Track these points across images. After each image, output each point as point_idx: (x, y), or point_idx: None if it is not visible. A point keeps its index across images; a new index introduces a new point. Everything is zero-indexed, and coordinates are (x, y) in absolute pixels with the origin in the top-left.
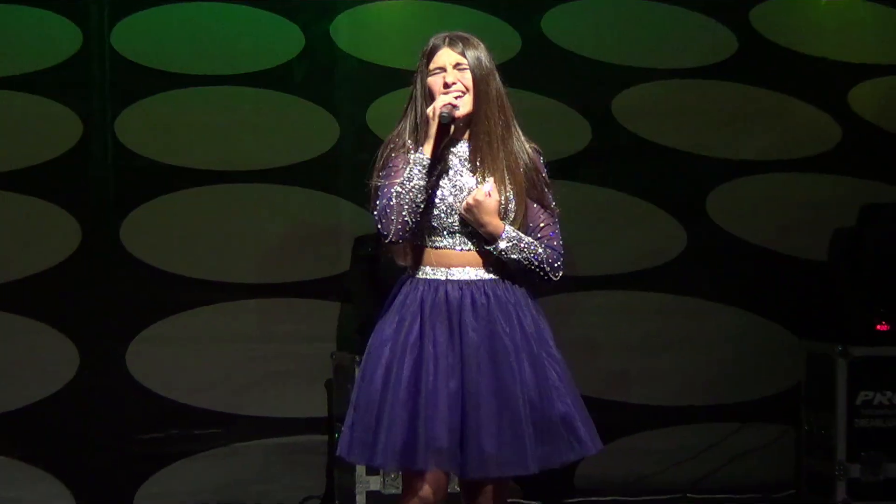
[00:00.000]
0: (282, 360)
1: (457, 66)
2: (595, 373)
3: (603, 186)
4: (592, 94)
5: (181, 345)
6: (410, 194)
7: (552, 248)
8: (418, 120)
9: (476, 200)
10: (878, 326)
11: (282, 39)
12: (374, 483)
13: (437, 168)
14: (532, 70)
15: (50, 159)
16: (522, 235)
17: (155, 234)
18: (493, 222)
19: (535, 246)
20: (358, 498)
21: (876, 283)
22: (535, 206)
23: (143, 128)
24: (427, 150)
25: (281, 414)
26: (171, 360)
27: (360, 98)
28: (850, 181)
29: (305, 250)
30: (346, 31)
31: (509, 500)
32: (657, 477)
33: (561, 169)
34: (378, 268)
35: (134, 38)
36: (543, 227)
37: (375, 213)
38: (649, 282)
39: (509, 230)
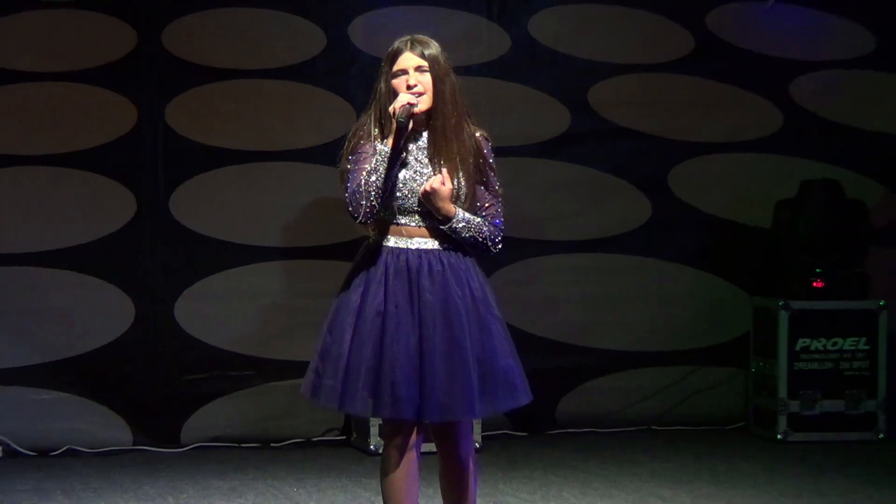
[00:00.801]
0: (305, 312)
1: (418, 68)
2: (571, 323)
3: (580, 164)
4: (571, 85)
5: (220, 299)
6: (377, 182)
7: (494, 226)
8: (382, 114)
9: (432, 188)
10: (815, 284)
11: (306, 39)
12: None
13: (400, 158)
14: (520, 65)
15: (110, 141)
16: (471, 217)
17: (198, 205)
18: (446, 207)
19: (481, 224)
20: (371, 429)
21: (812, 247)
22: (481, 188)
23: (188, 114)
24: (389, 143)
25: (304, 358)
26: (212, 312)
27: (372, 88)
28: (791, 160)
29: (325, 219)
30: (361, 31)
31: (497, 432)
32: (626, 412)
33: (544, 150)
34: None
35: (181, 37)
36: (488, 206)
37: (346, 195)
38: (619, 246)
39: (459, 213)
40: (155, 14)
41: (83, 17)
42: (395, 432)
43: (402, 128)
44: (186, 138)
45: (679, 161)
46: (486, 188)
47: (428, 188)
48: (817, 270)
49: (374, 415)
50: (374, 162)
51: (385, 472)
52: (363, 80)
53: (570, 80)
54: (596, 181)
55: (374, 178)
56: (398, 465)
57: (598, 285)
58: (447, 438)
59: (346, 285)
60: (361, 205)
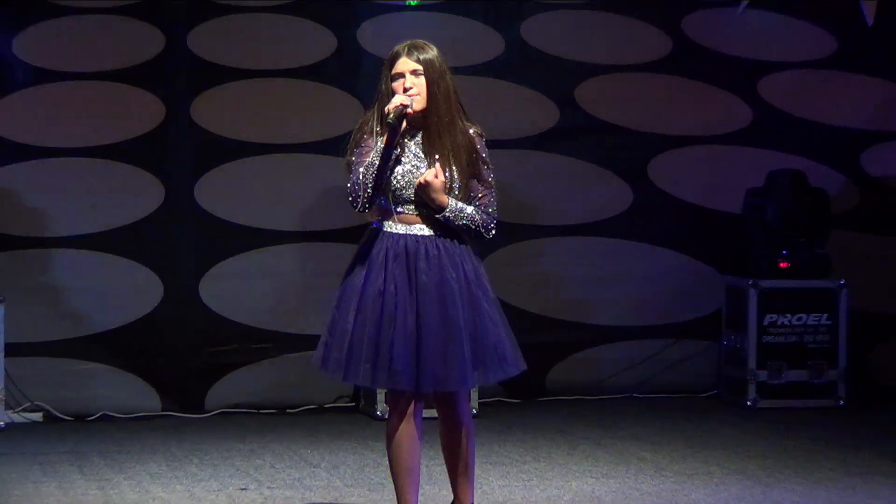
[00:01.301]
0: (317, 290)
1: (413, 72)
2: (560, 301)
3: (568, 156)
4: (560, 84)
5: (241, 278)
6: (373, 175)
7: (487, 214)
8: (383, 112)
9: (426, 181)
10: (781, 264)
11: (319, 42)
12: None
13: (393, 154)
14: (513, 66)
15: (141, 135)
16: (463, 206)
17: (221, 192)
18: (440, 198)
19: (473, 213)
20: (378, 397)
21: (779, 232)
22: (474, 180)
23: (211, 111)
24: (383, 141)
25: (317, 332)
26: (234, 290)
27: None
28: (759, 152)
29: (335, 206)
30: (369, 35)
31: (492, 399)
32: (610, 381)
33: (535, 142)
34: None
35: (205, 41)
36: (481, 196)
37: (347, 185)
38: (603, 230)
39: (452, 203)
40: (182, 19)
41: (117, 22)
42: (397, 401)
43: (394, 127)
44: (210, 132)
45: (657, 153)
46: (479, 180)
47: (422, 181)
48: (783, 252)
49: (373, 385)
50: (371, 156)
51: (390, 437)
52: (371, 79)
53: (558, 79)
54: (582, 171)
55: (370, 171)
56: (402, 428)
57: (584, 266)
58: (446, 405)
59: (352, 267)
60: (359, 196)
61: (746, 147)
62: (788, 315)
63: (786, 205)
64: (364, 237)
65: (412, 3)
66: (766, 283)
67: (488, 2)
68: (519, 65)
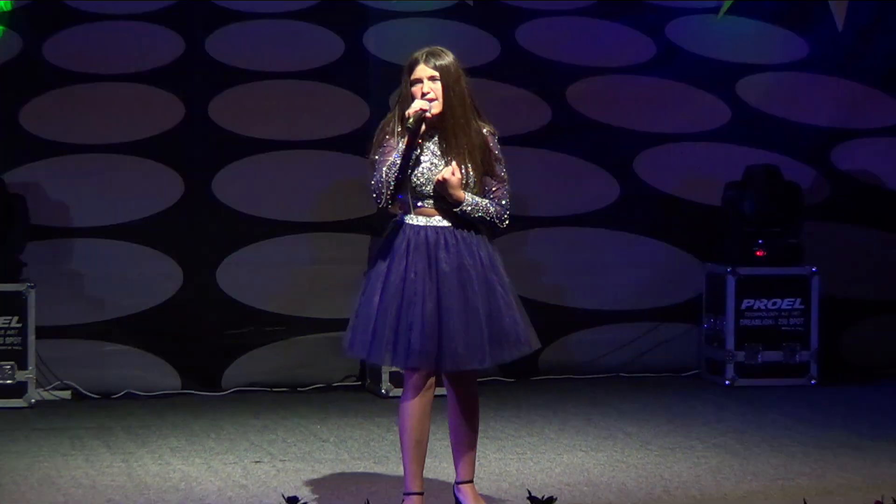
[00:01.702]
0: (326, 276)
1: (430, 78)
2: (552, 286)
3: (559, 152)
4: (552, 84)
5: (255, 266)
6: (395, 174)
7: (500, 206)
8: (403, 115)
9: (444, 178)
10: (757, 253)
11: (328, 45)
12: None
13: (412, 155)
14: (508, 68)
15: (161, 132)
16: (479, 200)
17: (237, 186)
18: (457, 193)
19: (488, 205)
20: (383, 376)
21: (755, 222)
22: (487, 176)
23: (228, 110)
24: (403, 143)
25: (326, 316)
26: (249, 276)
27: (384, 87)
28: (737, 148)
29: (344, 198)
30: (374, 39)
31: (489, 379)
32: (598, 361)
33: (529, 139)
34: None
35: (222, 44)
36: (495, 190)
37: (371, 182)
38: (592, 220)
39: (468, 197)
40: (200, 25)
41: (140, 27)
42: (413, 378)
43: (413, 131)
44: (226, 130)
45: (643, 149)
46: (493, 176)
47: (441, 178)
48: (759, 241)
49: (394, 365)
50: (393, 156)
51: (403, 411)
52: (376, 80)
53: (550, 81)
54: (573, 166)
55: (392, 170)
56: (415, 402)
57: (574, 254)
58: (460, 384)
59: (377, 258)
60: (382, 193)
61: (725, 143)
62: (764, 300)
63: (762, 197)
64: (388, 230)
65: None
66: (744, 270)
67: (485, 9)
68: (514, 67)
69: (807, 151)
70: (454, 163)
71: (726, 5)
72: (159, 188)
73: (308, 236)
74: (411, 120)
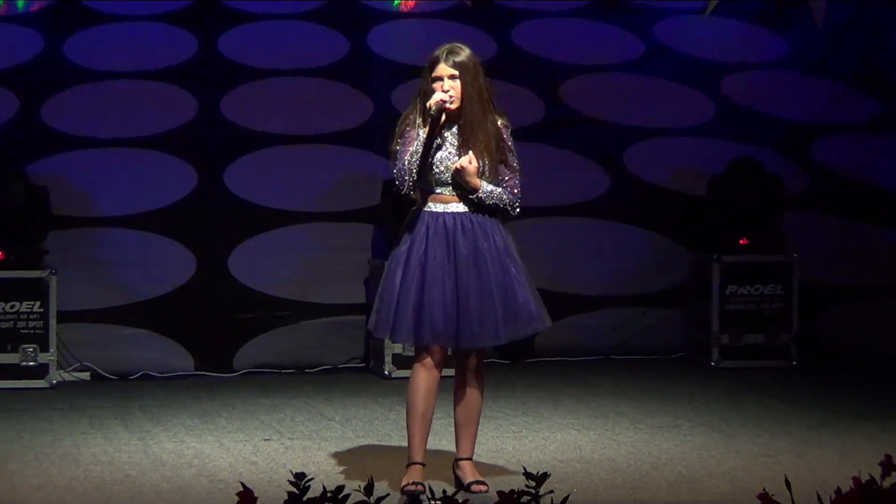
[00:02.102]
0: (334, 264)
1: (451, 76)
2: (546, 273)
3: (552, 146)
4: (546, 82)
5: (265, 253)
6: (416, 162)
7: (512, 195)
8: (425, 107)
9: (462, 167)
10: (741, 241)
11: (335, 45)
12: (397, 348)
13: (434, 143)
14: (505, 66)
15: (176, 127)
16: (493, 188)
17: (248, 178)
18: (473, 181)
19: (502, 193)
20: (386, 359)
21: (739, 213)
22: (501, 166)
23: (239, 105)
24: (425, 132)
25: (333, 301)
26: (259, 263)
27: (387, 84)
28: (722, 142)
29: (351, 189)
30: (378, 40)
31: (486, 361)
32: (589, 344)
33: (524, 134)
34: (399, 201)
35: (233, 43)
36: (508, 179)
37: (394, 171)
38: (584, 210)
39: (484, 185)
40: (213, 26)
41: (156, 28)
42: (424, 355)
43: (435, 119)
44: (237, 125)
45: (632, 143)
46: (506, 165)
47: (459, 166)
48: (743, 230)
49: (416, 343)
50: (415, 146)
51: (413, 385)
52: (379, 78)
53: (544, 78)
54: (566, 159)
55: (414, 159)
56: (424, 380)
57: (567, 243)
58: (471, 362)
59: (398, 241)
60: (405, 180)
61: (710, 138)
62: (747, 286)
63: (745, 189)
64: (408, 217)
65: (395, 3)
66: (728, 258)
67: (482, 10)
68: (510, 65)
69: (787, 145)
70: (471, 153)
71: (711, 6)
72: (174, 180)
73: (314, 226)
74: (433, 109)
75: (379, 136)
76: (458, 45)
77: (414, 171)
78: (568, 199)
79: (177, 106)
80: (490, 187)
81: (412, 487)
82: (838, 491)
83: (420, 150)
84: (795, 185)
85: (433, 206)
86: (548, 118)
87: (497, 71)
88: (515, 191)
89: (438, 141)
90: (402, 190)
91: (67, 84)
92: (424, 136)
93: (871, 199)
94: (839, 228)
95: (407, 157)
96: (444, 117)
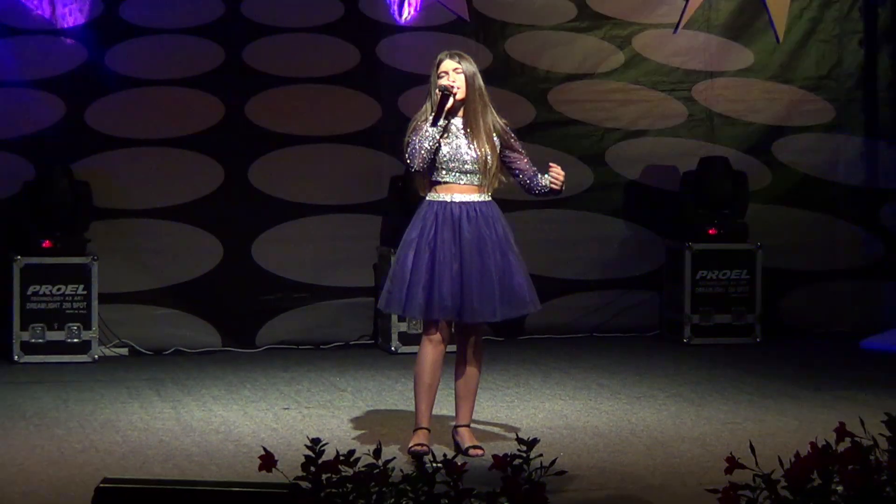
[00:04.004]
0: (345, 251)
1: (455, 70)
2: (536, 259)
3: (540, 145)
4: (536, 88)
5: (285, 242)
6: (428, 141)
7: (534, 169)
8: (431, 104)
9: (560, 173)
10: (710, 231)
11: (345, 55)
12: (403, 326)
13: (441, 119)
14: (498, 74)
15: (205, 129)
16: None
17: (270, 174)
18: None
19: (539, 177)
20: (393, 336)
21: (708, 205)
22: (512, 153)
23: (262, 109)
24: (433, 116)
25: (345, 284)
26: (279, 251)
27: (394, 91)
28: (693, 142)
29: (360, 184)
30: (385, 50)
31: (484, 337)
32: (573, 323)
33: (516, 135)
34: (405, 195)
35: (257, 54)
36: (526, 162)
37: (407, 153)
38: (570, 204)
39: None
40: (238, 38)
41: (186, 40)
42: (432, 331)
43: (444, 97)
44: (260, 126)
45: (613, 143)
46: (516, 151)
47: (560, 177)
48: (713, 221)
49: (427, 317)
50: (424, 130)
51: (420, 358)
52: (387, 84)
53: (534, 85)
54: (553, 157)
55: (426, 139)
56: (431, 353)
57: (555, 232)
58: (471, 336)
59: (410, 229)
60: (416, 156)
61: (682, 138)
62: (716, 271)
63: (714, 184)
64: (419, 207)
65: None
66: (698, 246)
67: (479, 23)
68: (503, 73)
69: (752, 145)
70: (486, 146)
71: (683, 21)
72: (203, 176)
73: (330, 217)
74: (443, 89)
75: (387, 137)
76: (458, 50)
77: (426, 148)
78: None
79: (205, 110)
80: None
81: (418, 448)
82: (797, 454)
83: (430, 130)
84: (758, 180)
85: (441, 196)
86: (538, 121)
87: (492, 78)
88: (534, 168)
89: (445, 123)
90: (413, 167)
91: (109, 90)
92: (432, 118)
93: (827, 192)
94: (797, 219)
95: (417, 138)
96: (451, 102)
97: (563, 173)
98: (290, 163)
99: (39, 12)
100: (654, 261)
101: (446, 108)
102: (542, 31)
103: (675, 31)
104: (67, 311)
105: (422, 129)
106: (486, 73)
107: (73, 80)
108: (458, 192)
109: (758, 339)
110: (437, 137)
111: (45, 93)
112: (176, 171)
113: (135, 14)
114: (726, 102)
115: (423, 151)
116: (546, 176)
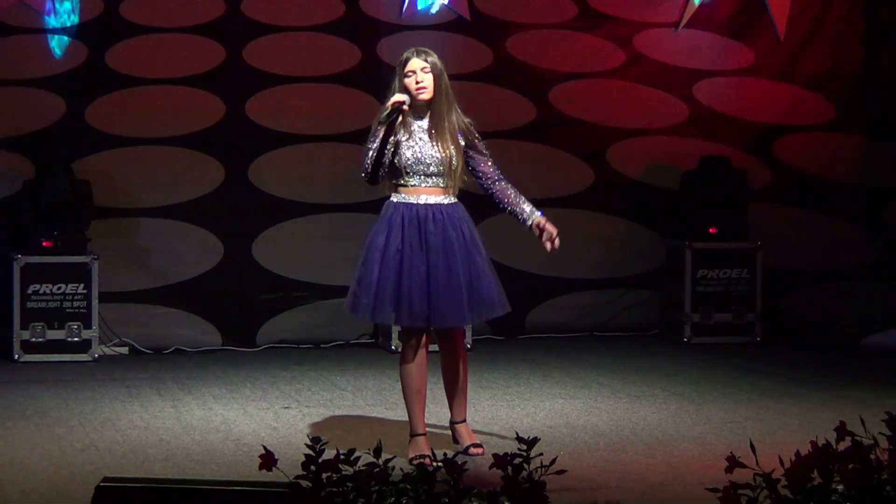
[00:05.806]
0: (343, 250)
1: (423, 69)
2: (537, 258)
3: (542, 144)
4: (537, 87)
5: (284, 241)
6: (372, 159)
7: (501, 174)
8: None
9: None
10: (710, 230)
11: (346, 54)
12: None
13: (392, 139)
14: (499, 73)
15: (206, 127)
16: (524, 203)
17: (269, 173)
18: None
19: (512, 191)
20: (392, 335)
21: (709, 204)
22: (473, 153)
23: (262, 108)
24: (382, 133)
25: (345, 283)
26: (279, 250)
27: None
28: (693, 141)
29: (358, 184)
30: (386, 49)
31: (483, 337)
32: (574, 322)
33: (515, 134)
34: None
35: (257, 52)
36: (490, 165)
37: (363, 164)
38: (572, 202)
39: (534, 212)
40: (239, 36)
41: (187, 39)
42: (410, 335)
43: (394, 111)
44: (260, 125)
45: (614, 142)
46: (479, 151)
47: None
48: (712, 220)
49: (397, 323)
50: (374, 144)
51: (403, 366)
52: (387, 84)
53: (535, 84)
54: (554, 156)
55: (371, 157)
56: (412, 359)
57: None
58: (448, 339)
59: (375, 232)
60: (366, 174)
61: (683, 137)
62: (716, 270)
63: (714, 183)
64: (384, 208)
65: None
66: (699, 245)
67: (480, 22)
68: (504, 72)
69: (753, 144)
70: (451, 146)
71: (684, 20)
72: (203, 175)
73: (329, 216)
74: (384, 114)
75: None
76: (425, 48)
77: (370, 165)
78: (557, 192)
79: (206, 108)
80: (528, 205)
81: (420, 461)
82: (797, 453)
83: (377, 148)
84: (759, 179)
85: (407, 197)
86: (538, 120)
87: (493, 77)
88: (498, 171)
89: (400, 136)
90: (366, 180)
91: (109, 89)
92: (382, 134)
93: (827, 192)
94: (798, 219)
95: (368, 154)
96: (406, 106)
97: (557, 241)
98: (291, 162)
99: (40, 11)
100: (654, 260)
101: (396, 123)
102: (544, 29)
103: (675, 31)
104: (68, 310)
105: (375, 139)
106: (486, 72)
107: (73, 79)
108: (424, 193)
109: (758, 339)
110: (385, 157)
111: (46, 91)
112: (176, 170)
113: (135, 12)
114: (727, 101)
115: (368, 171)
116: (538, 224)
